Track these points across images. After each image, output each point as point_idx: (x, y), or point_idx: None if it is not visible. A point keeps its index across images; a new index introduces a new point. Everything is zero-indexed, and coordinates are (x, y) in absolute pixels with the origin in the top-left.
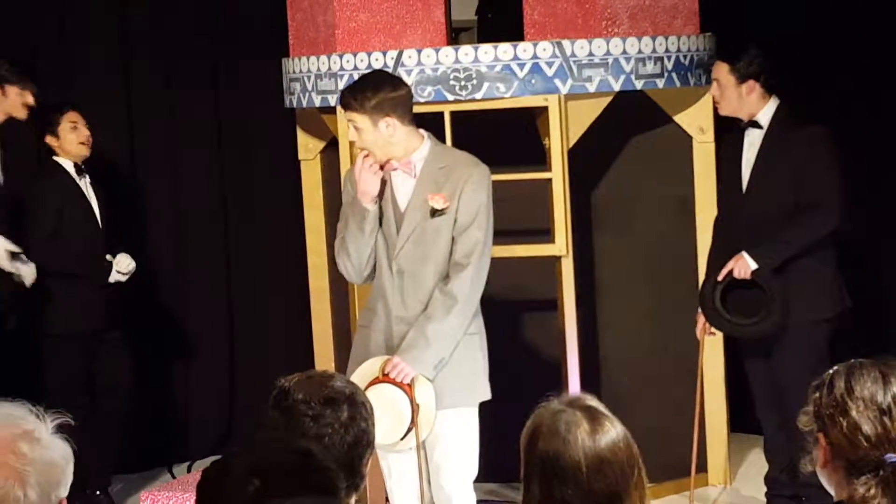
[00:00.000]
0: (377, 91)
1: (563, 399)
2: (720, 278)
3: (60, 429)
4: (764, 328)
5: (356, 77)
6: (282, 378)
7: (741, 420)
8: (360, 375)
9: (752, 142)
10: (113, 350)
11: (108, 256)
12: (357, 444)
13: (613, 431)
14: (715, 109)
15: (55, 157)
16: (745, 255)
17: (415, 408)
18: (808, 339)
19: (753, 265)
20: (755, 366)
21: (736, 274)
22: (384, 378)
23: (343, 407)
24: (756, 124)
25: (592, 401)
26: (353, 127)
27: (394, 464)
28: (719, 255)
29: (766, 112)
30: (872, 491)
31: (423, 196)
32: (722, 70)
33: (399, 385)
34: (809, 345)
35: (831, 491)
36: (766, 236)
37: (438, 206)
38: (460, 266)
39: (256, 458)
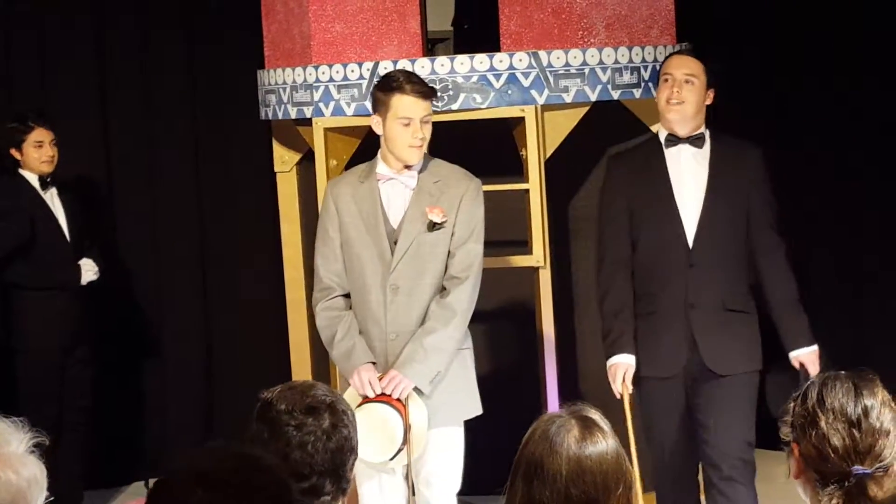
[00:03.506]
0: None
1: (568, 408)
2: (814, 377)
3: (38, 449)
4: None
5: (332, 89)
6: (264, 390)
7: None
8: (353, 391)
9: (687, 160)
10: (78, 365)
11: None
12: (340, 451)
13: (604, 444)
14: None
15: (20, 170)
16: (802, 350)
17: (407, 428)
18: (744, 390)
19: (814, 347)
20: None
21: (816, 370)
22: (378, 397)
23: (325, 415)
24: (696, 141)
25: (595, 414)
26: (423, 123)
27: (386, 482)
28: (625, 301)
29: (704, 128)
30: (835, 502)
31: (421, 209)
32: (699, 67)
33: (393, 404)
34: (746, 395)
35: (806, 500)
36: (713, 275)
37: (438, 220)
38: (458, 279)
39: (200, 468)
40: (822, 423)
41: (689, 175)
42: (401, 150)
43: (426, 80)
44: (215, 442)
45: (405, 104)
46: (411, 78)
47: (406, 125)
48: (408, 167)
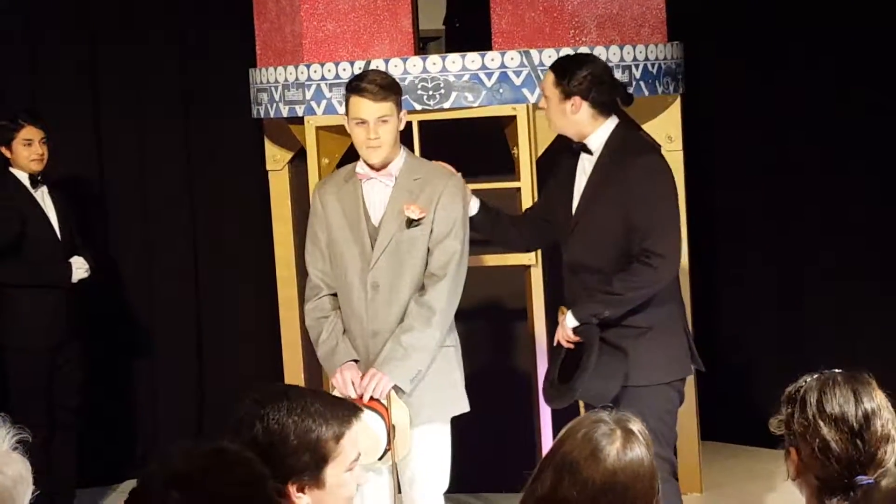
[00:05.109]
0: (399, 85)
1: (612, 414)
2: (555, 342)
3: (21, 445)
4: (576, 392)
5: (323, 88)
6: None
7: (712, 428)
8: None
9: (584, 169)
10: (69, 364)
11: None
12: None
13: (640, 460)
14: (684, 116)
15: (10, 169)
16: (568, 314)
17: (390, 429)
18: (644, 402)
19: (573, 322)
20: None
21: (562, 340)
22: (357, 400)
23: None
24: (587, 149)
25: (636, 425)
26: (376, 122)
27: (366, 487)
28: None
29: (598, 136)
30: None
31: (399, 207)
32: (547, 81)
33: (375, 408)
34: (644, 409)
35: (804, 500)
36: (586, 283)
37: (415, 217)
38: (436, 277)
39: (171, 470)
40: (824, 433)
41: (581, 183)
42: (360, 150)
43: (422, 80)
44: (184, 441)
45: (358, 105)
46: (370, 78)
47: (361, 125)
48: (384, 166)
